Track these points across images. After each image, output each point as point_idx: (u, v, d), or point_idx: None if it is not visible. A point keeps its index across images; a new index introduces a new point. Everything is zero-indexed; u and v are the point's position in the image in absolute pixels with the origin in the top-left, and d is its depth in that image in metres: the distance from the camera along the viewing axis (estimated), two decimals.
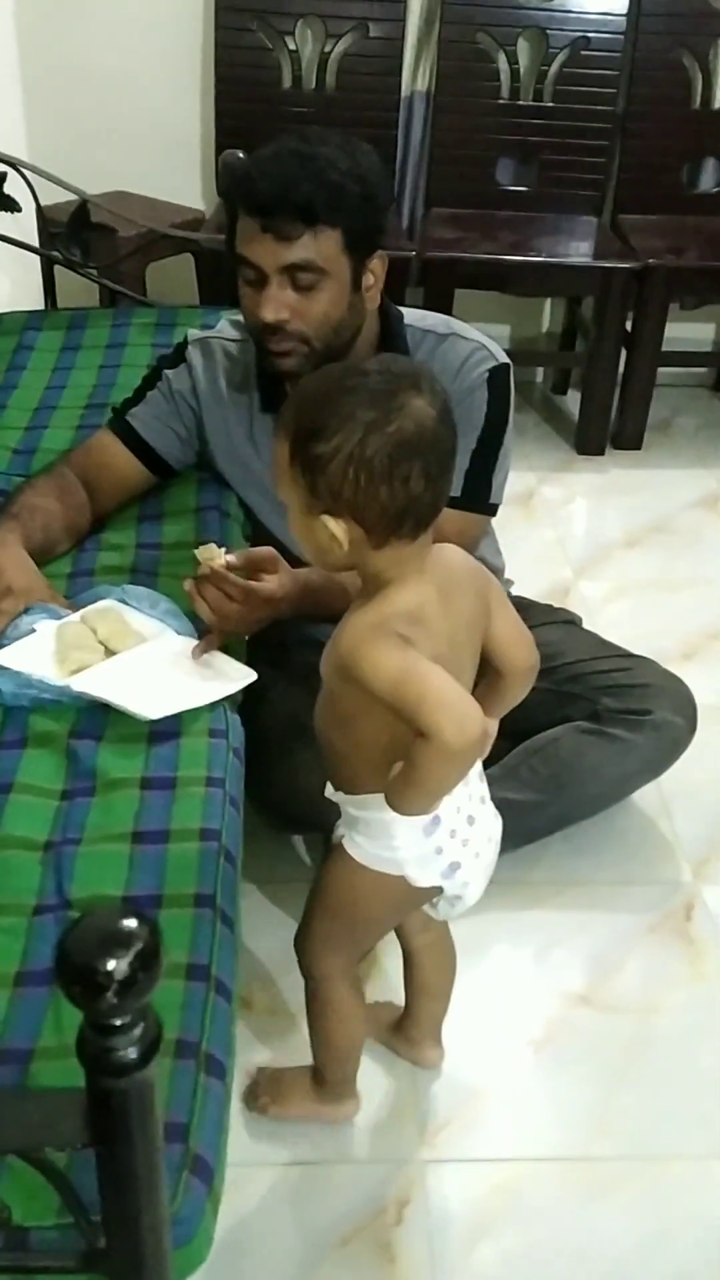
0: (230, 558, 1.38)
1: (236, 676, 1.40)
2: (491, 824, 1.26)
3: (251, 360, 1.61)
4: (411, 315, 1.62)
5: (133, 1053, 0.72)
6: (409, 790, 1.11)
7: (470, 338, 1.60)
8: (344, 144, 1.44)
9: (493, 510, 1.65)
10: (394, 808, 1.14)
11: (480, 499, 1.62)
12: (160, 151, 2.96)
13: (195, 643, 1.42)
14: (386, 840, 1.19)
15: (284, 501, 1.10)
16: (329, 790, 1.25)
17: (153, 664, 1.39)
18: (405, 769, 1.10)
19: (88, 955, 0.68)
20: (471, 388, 1.57)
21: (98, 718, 1.36)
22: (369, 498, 1.03)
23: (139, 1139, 0.75)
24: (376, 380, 1.05)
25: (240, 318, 1.65)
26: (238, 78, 2.85)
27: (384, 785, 1.13)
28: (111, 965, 0.68)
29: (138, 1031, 0.71)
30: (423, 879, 1.20)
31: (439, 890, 1.23)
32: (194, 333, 1.71)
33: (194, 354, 1.67)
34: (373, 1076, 1.48)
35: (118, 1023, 0.70)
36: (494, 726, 1.25)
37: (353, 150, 1.44)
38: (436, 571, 1.12)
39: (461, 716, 1.04)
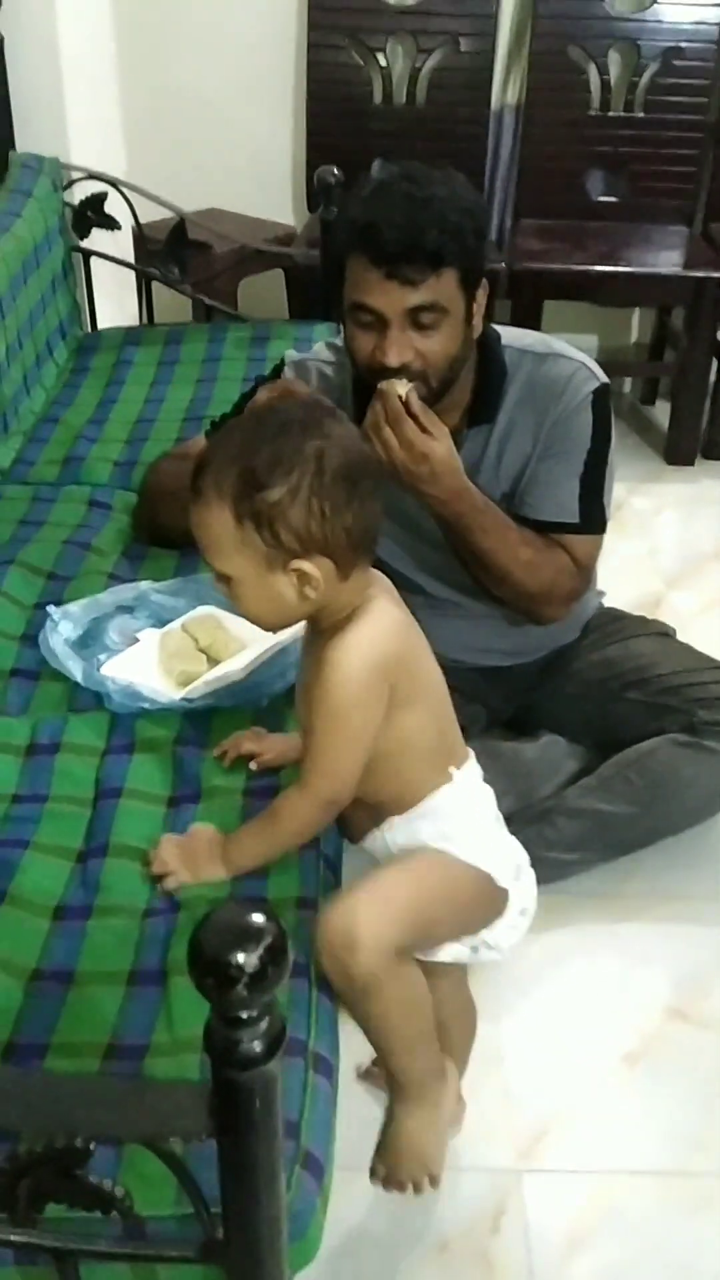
0: (410, 399, 1.42)
1: None
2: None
3: (347, 382, 1.63)
4: (508, 335, 1.62)
5: (258, 1046, 0.73)
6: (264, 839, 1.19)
7: (572, 356, 1.60)
8: (446, 180, 1.44)
9: (605, 528, 1.66)
10: (232, 857, 1.18)
11: (597, 520, 1.63)
12: (253, 168, 3.01)
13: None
14: (466, 823, 1.20)
15: (227, 575, 1.07)
16: (373, 840, 1.24)
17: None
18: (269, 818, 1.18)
19: (220, 949, 0.70)
20: (576, 409, 1.57)
21: (201, 725, 1.39)
22: (336, 527, 1.02)
23: (261, 1132, 0.77)
24: (298, 413, 1.04)
25: (336, 340, 1.67)
26: (329, 95, 2.89)
27: (442, 776, 1.18)
28: (243, 959, 0.70)
29: (263, 1026, 0.73)
30: (501, 874, 1.21)
31: (502, 906, 1.22)
32: (291, 354, 1.73)
33: (290, 375, 1.69)
34: (466, 1085, 1.48)
35: (245, 1016, 0.72)
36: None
37: (455, 185, 1.45)
38: (386, 588, 1.15)
39: (336, 792, 1.13)
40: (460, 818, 1.20)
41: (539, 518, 1.61)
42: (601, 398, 1.59)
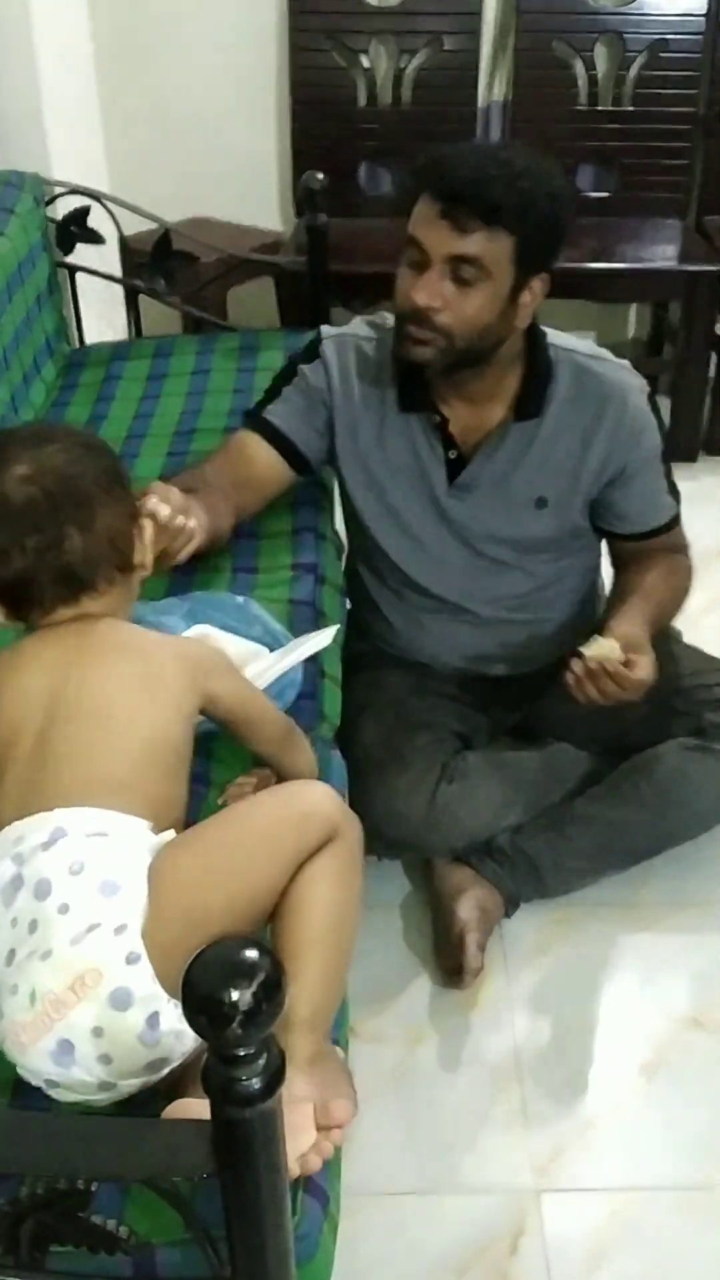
0: (618, 653, 1.48)
1: (320, 636, 1.45)
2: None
3: (387, 358, 1.61)
4: (550, 334, 1.62)
5: (256, 1083, 0.72)
6: None
7: (613, 360, 1.64)
8: (540, 160, 1.45)
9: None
10: None
11: (679, 498, 1.72)
12: (239, 175, 2.99)
13: (291, 654, 1.42)
14: None
15: None
16: None
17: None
18: None
19: (213, 986, 0.69)
20: (644, 422, 1.61)
21: (200, 750, 1.35)
22: None
23: (263, 1167, 0.75)
24: None
25: (374, 317, 1.68)
26: (313, 99, 2.87)
27: None
28: (236, 996, 0.68)
29: (261, 1062, 0.72)
30: None
31: None
32: (328, 329, 1.69)
33: (329, 349, 1.64)
34: (481, 1101, 1.46)
35: (242, 1053, 0.70)
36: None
37: (548, 169, 1.45)
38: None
39: None
40: None
41: (651, 528, 1.69)
42: (651, 399, 1.63)
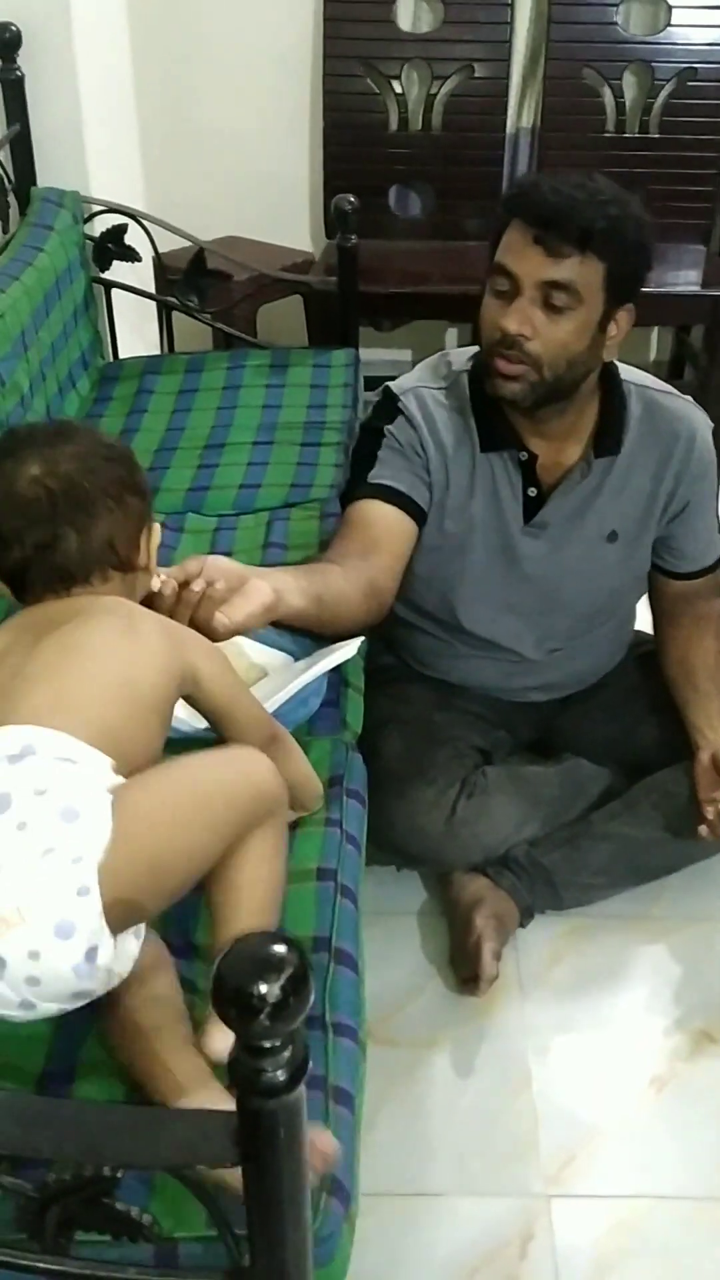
0: None
1: (344, 648, 1.44)
2: None
3: (465, 402, 1.59)
4: (621, 368, 1.63)
5: (281, 1075, 0.74)
6: None
7: (682, 396, 1.65)
8: (623, 192, 1.46)
9: None
10: None
11: None
12: (271, 196, 3.04)
13: (315, 665, 1.44)
14: None
15: None
16: None
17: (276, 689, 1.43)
18: None
19: (242, 979, 0.71)
20: (710, 448, 1.64)
21: None
22: None
23: (286, 1159, 0.78)
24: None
25: (434, 364, 1.65)
26: (346, 123, 2.92)
27: None
28: (264, 989, 0.70)
29: (286, 1055, 0.74)
30: None
31: None
32: (396, 385, 1.63)
33: (409, 404, 1.59)
34: (493, 1107, 1.48)
35: (268, 1045, 0.73)
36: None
37: (631, 200, 1.46)
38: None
39: None
40: None
41: (702, 567, 1.71)
42: (715, 435, 1.65)
